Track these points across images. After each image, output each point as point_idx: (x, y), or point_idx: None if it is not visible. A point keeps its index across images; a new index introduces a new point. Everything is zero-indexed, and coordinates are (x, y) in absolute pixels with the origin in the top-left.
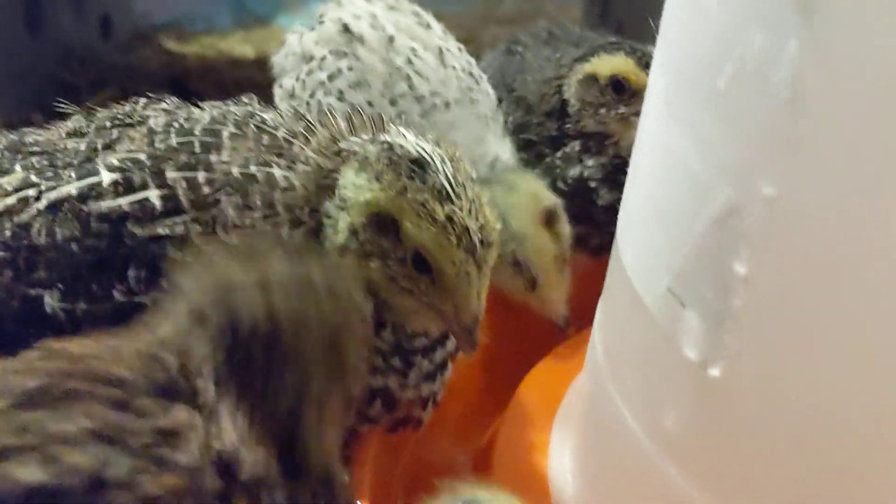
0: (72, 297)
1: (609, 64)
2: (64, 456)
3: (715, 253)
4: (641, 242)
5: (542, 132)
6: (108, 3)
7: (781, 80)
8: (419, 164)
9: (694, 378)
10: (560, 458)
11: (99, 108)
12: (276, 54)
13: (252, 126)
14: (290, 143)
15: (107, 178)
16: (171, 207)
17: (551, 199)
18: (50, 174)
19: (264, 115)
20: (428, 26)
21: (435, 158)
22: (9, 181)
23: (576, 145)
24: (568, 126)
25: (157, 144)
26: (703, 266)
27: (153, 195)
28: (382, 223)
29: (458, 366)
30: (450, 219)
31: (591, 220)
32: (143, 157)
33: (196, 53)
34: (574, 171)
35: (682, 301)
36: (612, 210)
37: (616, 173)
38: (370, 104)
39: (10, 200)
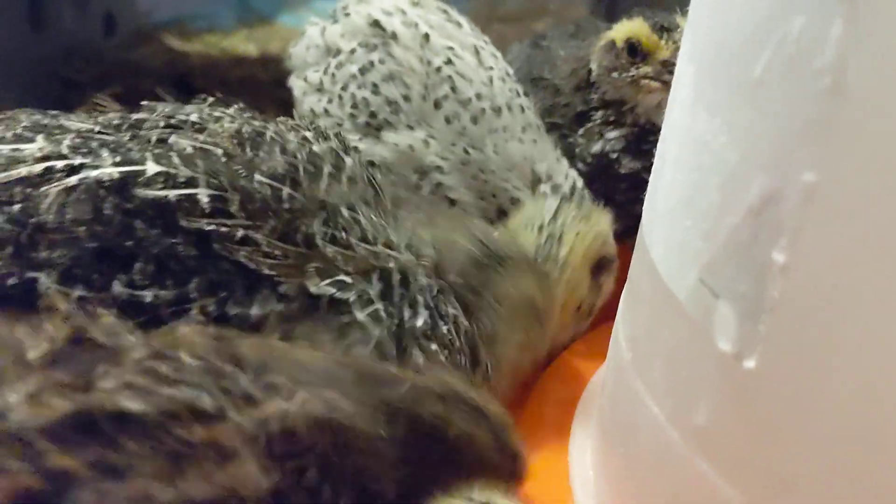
0: (68, 281)
1: (626, 28)
2: None
3: (750, 243)
4: (670, 234)
5: (567, 112)
6: (111, 1)
7: (824, 66)
8: None
9: (727, 370)
10: (581, 454)
11: (140, 106)
12: (295, 46)
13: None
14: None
15: (152, 168)
16: (220, 207)
17: (612, 250)
18: (84, 150)
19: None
20: (458, 24)
21: None
22: (30, 149)
23: (597, 118)
24: (592, 97)
25: (247, 151)
26: (737, 256)
27: (203, 193)
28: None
29: None
30: None
31: (613, 201)
32: (220, 151)
33: (199, 52)
34: (596, 147)
35: (716, 292)
36: (634, 184)
37: (637, 142)
38: (407, 99)
39: (38, 168)
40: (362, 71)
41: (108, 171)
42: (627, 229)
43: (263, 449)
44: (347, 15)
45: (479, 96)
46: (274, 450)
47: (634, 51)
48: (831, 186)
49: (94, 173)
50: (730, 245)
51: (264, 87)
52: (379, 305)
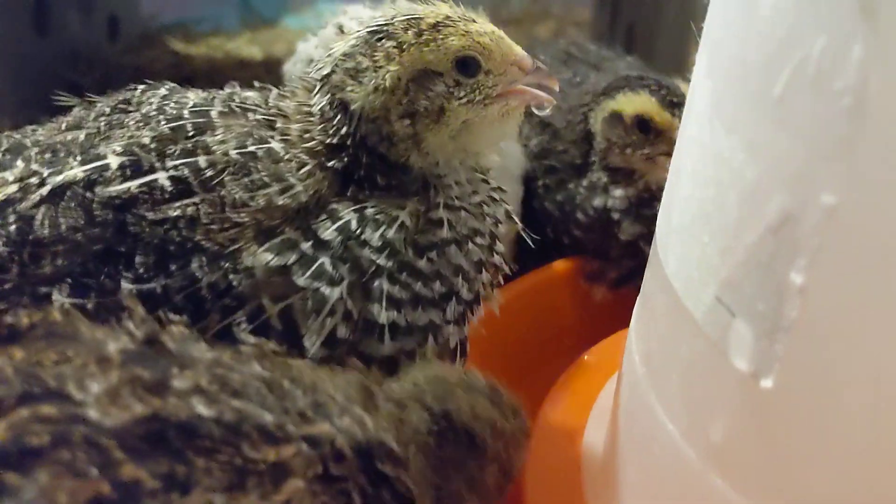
0: (81, 292)
1: (633, 103)
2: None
3: (768, 262)
4: (686, 249)
5: (565, 159)
6: (115, 4)
7: (845, 87)
8: (382, 30)
9: (744, 389)
10: (594, 467)
11: (97, 99)
12: (287, 63)
13: (237, 104)
14: (279, 112)
15: (114, 161)
16: (182, 189)
17: None
18: (53, 160)
19: (246, 94)
20: None
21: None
22: (10, 172)
23: (602, 176)
24: (593, 160)
25: (152, 129)
26: (755, 275)
27: (162, 177)
28: (422, 75)
29: (490, 367)
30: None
31: (607, 256)
32: (146, 140)
33: (203, 55)
34: (598, 201)
35: (732, 311)
36: (631, 245)
37: (641, 207)
38: None
39: (12, 189)
40: None
41: (73, 172)
42: (622, 278)
43: (316, 470)
44: (324, 27)
45: None
46: (324, 472)
47: (646, 127)
48: (851, 207)
49: (58, 178)
50: (748, 263)
51: None
52: None
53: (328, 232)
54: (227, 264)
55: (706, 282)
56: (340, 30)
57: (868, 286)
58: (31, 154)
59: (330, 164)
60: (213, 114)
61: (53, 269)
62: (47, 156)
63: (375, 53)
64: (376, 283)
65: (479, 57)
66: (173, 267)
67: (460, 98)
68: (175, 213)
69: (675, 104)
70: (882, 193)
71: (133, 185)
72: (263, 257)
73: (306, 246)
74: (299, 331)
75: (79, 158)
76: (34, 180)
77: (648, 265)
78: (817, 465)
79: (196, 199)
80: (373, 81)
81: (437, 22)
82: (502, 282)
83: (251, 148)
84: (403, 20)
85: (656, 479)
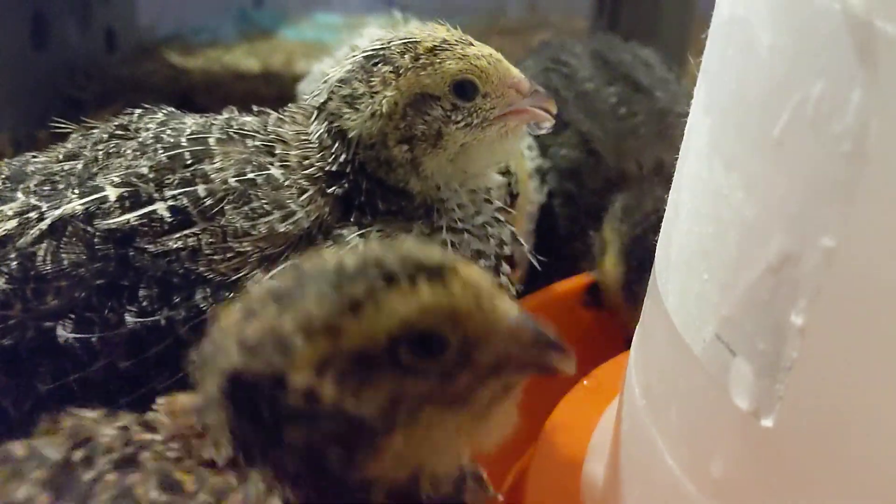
0: (86, 327)
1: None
2: None
3: (768, 302)
4: (686, 285)
5: (584, 205)
6: (112, 17)
7: (845, 131)
8: (379, 55)
9: (744, 426)
10: (594, 498)
11: (95, 124)
12: (302, 83)
13: (235, 129)
14: (278, 138)
15: (112, 193)
16: (182, 220)
17: None
18: (51, 194)
19: (244, 119)
20: None
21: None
22: (10, 207)
23: None
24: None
25: (150, 158)
26: (755, 314)
27: (161, 208)
28: (419, 99)
29: None
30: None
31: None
32: (144, 170)
33: (201, 67)
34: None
35: (732, 349)
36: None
37: None
38: None
39: (11, 224)
40: None
41: (71, 206)
42: None
43: None
44: (339, 49)
45: None
46: None
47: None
48: (851, 250)
49: (56, 212)
50: (747, 301)
51: (267, 103)
52: None
53: None
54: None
55: (706, 319)
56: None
57: (868, 328)
58: (30, 185)
59: (330, 190)
60: (211, 141)
61: (57, 304)
62: (46, 188)
63: (372, 79)
64: None
65: (476, 80)
66: (177, 299)
67: (458, 122)
68: (176, 245)
69: None
70: (882, 237)
71: (132, 216)
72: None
73: None
74: None
75: (77, 191)
76: (33, 215)
77: (647, 296)
78: (818, 503)
79: (196, 230)
80: (369, 108)
81: (434, 46)
82: None
83: (251, 175)
84: (400, 44)
85: None
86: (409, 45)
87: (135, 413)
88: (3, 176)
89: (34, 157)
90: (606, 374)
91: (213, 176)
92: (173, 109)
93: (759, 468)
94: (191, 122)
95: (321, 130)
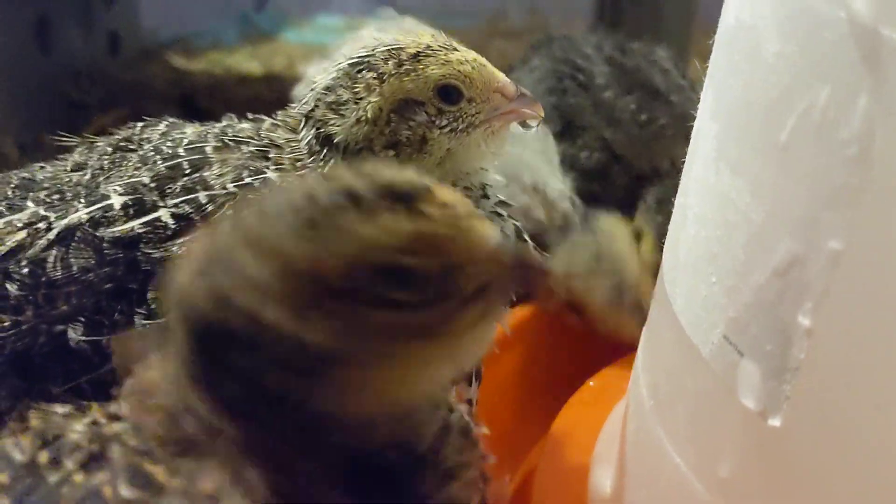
0: (96, 330)
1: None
2: None
3: (775, 304)
4: (694, 287)
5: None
6: (115, 21)
7: (851, 136)
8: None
9: (752, 427)
10: (601, 497)
11: (99, 138)
12: (297, 87)
13: (230, 137)
14: (272, 143)
15: (117, 201)
16: (185, 226)
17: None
18: (59, 205)
19: (240, 126)
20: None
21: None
22: (19, 217)
23: None
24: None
25: (150, 169)
26: (762, 316)
27: (165, 215)
28: (403, 105)
29: (490, 394)
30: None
31: None
32: (146, 180)
33: (204, 70)
34: None
35: (740, 350)
36: None
37: None
38: None
39: (21, 235)
40: None
41: (78, 215)
42: None
43: None
44: (336, 50)
45: None
46: None
47: None
48: (858, 254)
49: (63, 222)
50: (755, 304)
51: (269, 106)
52: None
53: None
54: None
55: (713, 321)
56: None
57: (874, 329)
58: (39, 196)
59: None
60: (208, 149)
61: (68, 308)
62: (55, 197)
63: (356, 85)
64: None
65: (460, 85)
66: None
67: (442, 127)
68: (179, 251)
69: None
70: (887, 240)
71: (136, 223)
72: None
73: None
74: None
75: (83, 200)
76: (42, 225)
77: (654, 298)
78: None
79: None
80: (354, 114)
81: (418, 51)
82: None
83: (248, 180)
84: (384, 51)
85: None
86: (393, 52)
87: (104, 404)
88: (13, 185)
89: (42, 167)
90: (613, 374)
91: (212, 182)
92: (175, 120)
93: (766, 468)
94: (190, 131)
95: (309, 137)
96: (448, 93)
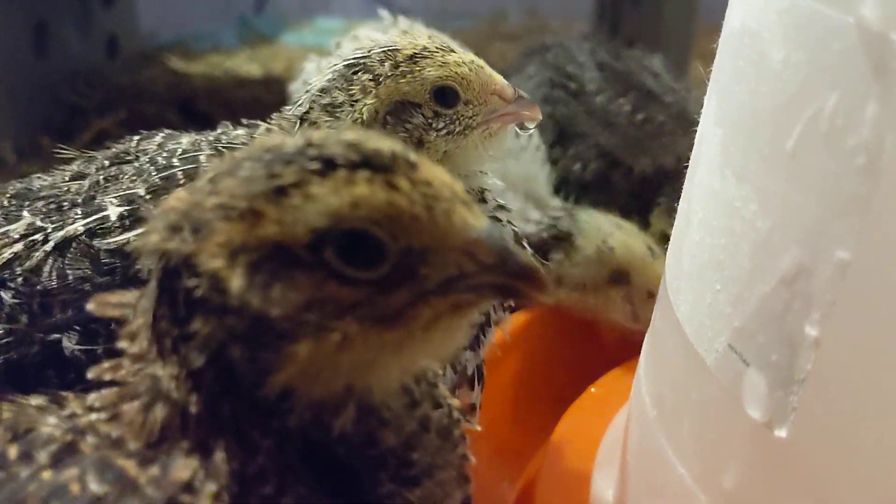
0: (91, 339)
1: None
2: None
3: (782, 313)
4: (698, 295)
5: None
6: (114, 24)
7: (859, 144)
8: (359, 63)
9: (757, 437)
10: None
11: (97, 152)
12: (294, 83)
13: (224, 144)
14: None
15: (113, 212)
16: None
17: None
18: (56, 216)
19: (235, 133)
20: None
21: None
22: (15, 228)
23: None
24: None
25: (144, 181)
26: (768, 326)
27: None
28: (399, 107)
29: (491, 401)
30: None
31: None
32: (141, 192)
33: (203, 73)
34: None
35: (746, 360)
36: None
37: None
38: None
39: (18, 247)
40: None
41: (74, 227)
42: None
43: None
44: (338, 46)
45: None
46: None
47: None
48: (866, 263)
49: (60, 234)
50: (761, 313)
51: (268, 108)
52: None
53: None
54: None
55: (718, 329)
56: None
57: (882, 339)
58: (37, 206)
59: None
60: (202, 158)
61: (63, 317)
62: (52, 207)
63: (352, 87)
64: None
65: (457, 87)
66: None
67: (439, 129)
68: None
69: None
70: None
71: (132, 235)
72: None
73: None
74: None
75: (80, 212)
76: (38, 237)
77: (658, 305)
78: None
79: None
80: (350, 116)
81: (415, 53)
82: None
83: None
84: (380, 52)
85: None
86: (389, 53)
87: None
88: (9, 195)
89: (40, 177)
90: (615, 381)
91: None
92: (172, 131)
93: (771, 479)
94: (185, 141)
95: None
96: (445, 95)
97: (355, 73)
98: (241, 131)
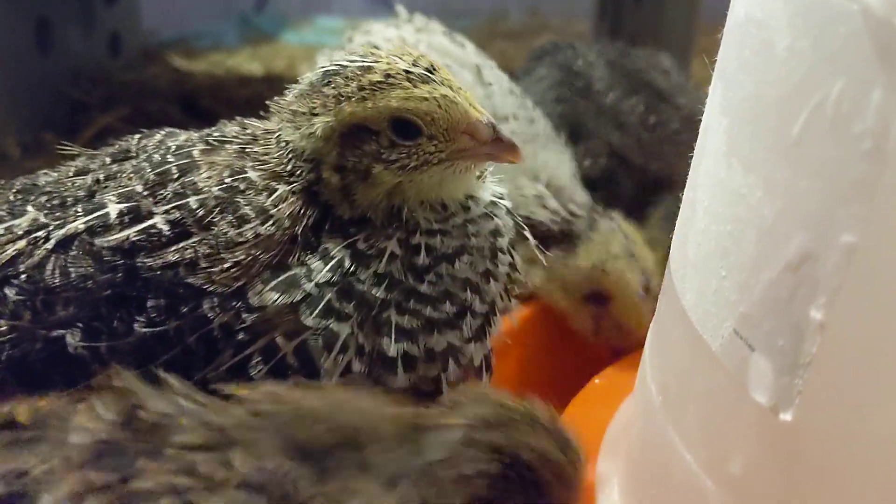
0: (93, 336)
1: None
2: None
3: (788, 299)
4: (703, 282)
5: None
6: (116, 22)
7: (865, 130)
8: (331, 75)
9: (763, 422)
10: (608, 494)
11: (99, 150)
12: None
13: (215, 137)
14: (251, 136)
15: (113, 210)
16: (179, 232)
17: None
18: (59, 213)
19: (227, 128)
20: (462, 45)
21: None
22: (20, 223)
23: None
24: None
25: (141, 177)
26: (773, 311)
27: (160, 222)
28: (356, 130)
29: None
30: (388, 75)
31: None
32: (139, 188)
33: (205, 71)
34: None
35: (751, 345)
36: None
37: None
38: None
39: (21, 244)
40: None
41: (75, 224)
42: None
43: None
44: (350, 41)
45: None
46: None
47: None
48: (872, 248)
49: (61, 231)
50: (766, 299)
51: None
52: None
53: (324, 273)
54: (238, 304)
55: (724, 315)
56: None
57: (888, 323)
58: (41, 202)
59: (290, 186)
60: (195, 153)
61: (66, 314)
62: (55, 203)
63: (315, 100)
64: (384, 316)
65: (417, 121)
66: (184, 309)
67: (390, 161)
68: (174, 258)
69: None
70: None
71: (131, 232)
72: (269, 296)
73: (310, 285)
74: (317, 367)
75: (81, 209)
76: (41, 234)
77: (662, 294)
78: (837, 499)
79: (193, 241)
80: (304, 128)
81: (387, 76)
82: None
83: (229, 181)
84: (355, 68)
85: None
86: (359, 73)
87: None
88: (15, 190)
89: (46, 172)
90: (619, 371)
91: (202, 186)
92: (172, 129)
93: (777, 463)
94: (182, 138)
95: (279, 131)
96: (405, 127)
97: (325, 84)
98: (235, 127)
